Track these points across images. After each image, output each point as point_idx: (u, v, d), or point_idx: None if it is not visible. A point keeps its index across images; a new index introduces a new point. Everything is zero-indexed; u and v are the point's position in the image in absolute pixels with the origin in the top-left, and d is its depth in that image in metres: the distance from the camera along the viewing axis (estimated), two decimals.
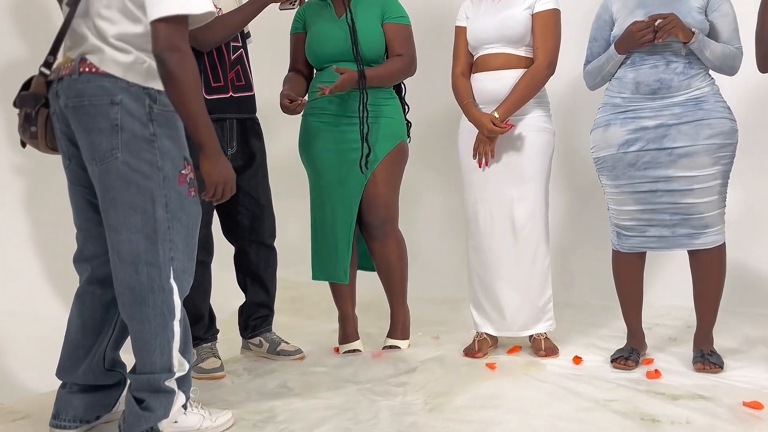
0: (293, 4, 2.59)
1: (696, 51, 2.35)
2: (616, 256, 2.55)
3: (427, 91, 3.16)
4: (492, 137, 2.58)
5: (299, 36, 2.77)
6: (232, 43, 2.60)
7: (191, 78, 1.75)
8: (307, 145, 2.75)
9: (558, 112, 2.95)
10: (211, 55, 2.54)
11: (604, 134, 2.47)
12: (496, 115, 2.56)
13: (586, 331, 2.94)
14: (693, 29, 2.33)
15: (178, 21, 1.73)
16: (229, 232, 2.73)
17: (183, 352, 1.93)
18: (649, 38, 2.32)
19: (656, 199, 2.40)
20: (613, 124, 2.45)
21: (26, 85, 1.95)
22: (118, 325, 2.04)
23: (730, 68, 2.41)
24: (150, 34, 1.76)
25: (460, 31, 2.72)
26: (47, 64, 1.90)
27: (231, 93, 2.59)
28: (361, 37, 2.62)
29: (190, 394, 1.99)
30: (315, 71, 2.77)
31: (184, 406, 1.96)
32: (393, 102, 2.74)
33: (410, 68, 2.71)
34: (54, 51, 1.89)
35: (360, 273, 2.89)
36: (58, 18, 2.02)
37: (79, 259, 2.04)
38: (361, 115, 2.60)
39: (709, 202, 2.38)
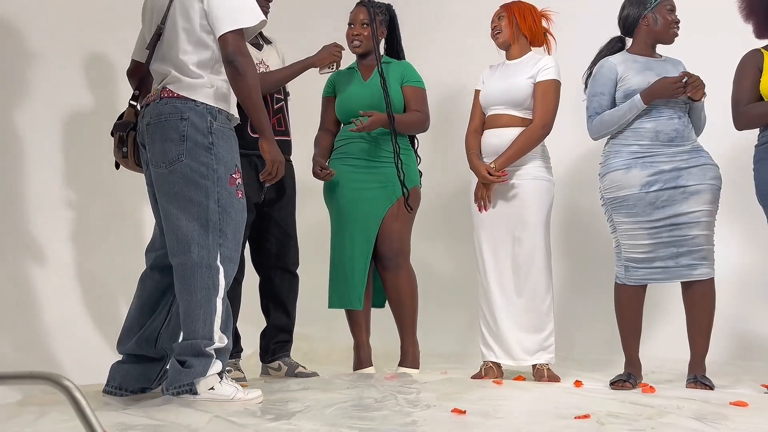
0: (331, 68, 3.03)
1: (700, 108, 2.79)
2: (620, 289, 2.79)
3: (442, 146, 3.54)
4: (488, 184, 2.91)
5: (329, 99, 3.18)
6: (275, 95, 3.00)
7: (254, 75, 2.24)
8: (331, 185, 3.07)
9: (561, 165, 3.29)
10: None
11: (626, 176, 2.75)
12: (492, 165, 2.90)
13: (587, 365, 3.11)
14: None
15: (241, 33, 2.23)
16: (257, 260, 3.00)
17: (224, 329, 2.19)
18: (681, 91, 2.71)
19: (668, 232, 2.70)
20: (634, 167, 2.75)
21: (120, 117, 2.44)
22: (174, 314, 2.33)
23: (702, 128, 2.87)
24: (214, 58, 2.24)
25: (477, 94, 3.12)
26: (134, 97, 2.45)
27: None
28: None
29: (226, 370, 2.21)
30: (342, 126, 3.16)
31: (220, 375, 2.15)
32: (409, 152, 3.10)
33: (425, 123, 3.10)
34: (139, 87, 2.46)
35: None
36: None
37: (149, 249, 2.44)
38: (396, 162, 2.96)
39: (707, 236, 2.71)
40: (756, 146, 2.80)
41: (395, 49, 3.21)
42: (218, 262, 2.19)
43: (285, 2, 3.41)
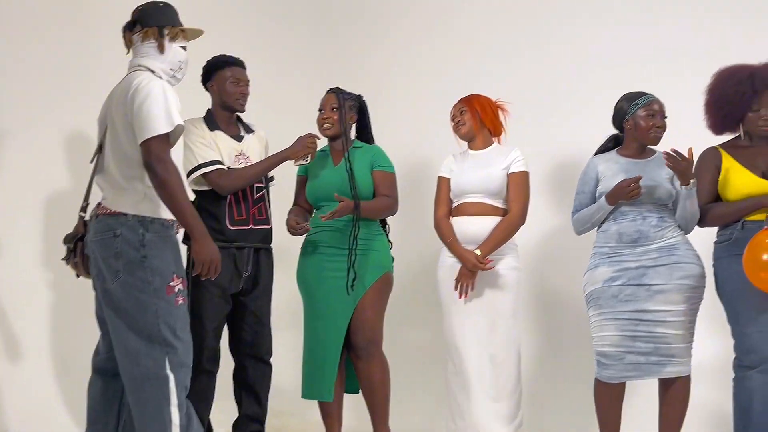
0: (305, 160, 3.08)
1: (684, 197, 2.78)
2: (598, 384, 2.87)
3: (410, 230, 3.62)
4: (474, 271, 2.98)
5: (302, 178, 3.26)
6: (256, 185, 3.06)
7: (176, 180, 2.30)
8: (304, 273, 3.13)
9: (531, 254, 3.37)
10: (236, 193, 2.99)
11: (593, 273, 2.88)
12: (479, 253, 2.98)
13: None
14: (693, 180, 2.76)
15: (160, 139, 2.29)
16: (233, 347, 3.06)
17: None
18: (636, 193, 2.78)
19: (635, 327, 2.76)
20: (601, 265, 2.87)
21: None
22: (129, 424, 2.38)
23: (692, 224, 2.87)
24: (143, 167, 2.32)
25: (444, 181, 3.21)
26: (83, 208, 2.52)
27: (251, 225, 3.01)
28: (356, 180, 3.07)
29: None
30: (314, 210, 3.22)
31: None
32: (381, 237, 3.16)
33: (393, 207, 3.17)
34: (86, 198, 2.53)
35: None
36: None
37: (94, 354, 2.52)
38: (350, 244, 3.00)
39: (677, 335, 2.76)
40: (715, 243, 2.87)
41: (365, 137, 3.29)
42: (167, 371, 2.27)
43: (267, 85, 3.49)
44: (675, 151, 2.72)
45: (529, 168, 3.13)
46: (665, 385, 2.81)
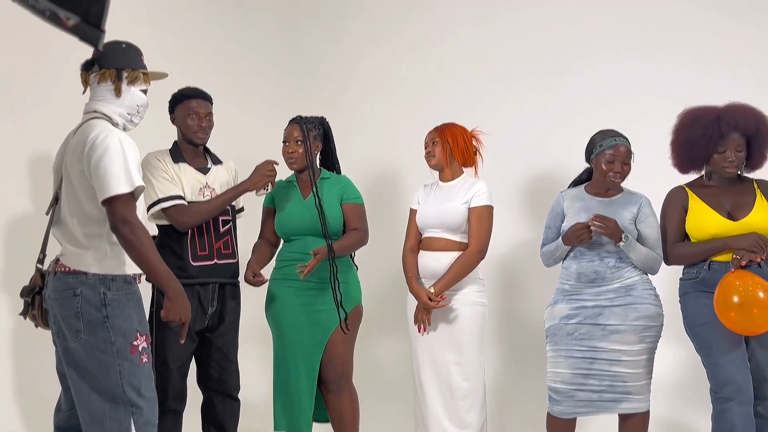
0: (267, 189, 3.03)
1: (624, 250, 2.84)
2: (550, 419, 2.94)
3: (378, 259, 3.61)
4: (428, 308, 2.98)
5: (269, 210, 3.21)
6: (221, 218, 2.99)
7: (144, 240, 2.20)
8: (274, 307, 3.10)
9: (497, 286, 3.39)
10: (200, 227, 2.93)
11: (552, 309, 2.94)
12: (432, 290, 2.98)
13: None
14: (624, 234, 2.81)
15: (122, 199, 2.19)
16: (201, 382, 3.03)
17: None
18: (585, 237, 2.83)
19: (589, 365, 2.82)
20: (560, 302, 2.93)
21: (32, 279, 2.42)
22: None
23: (650, 269, 2.92)
24: (103, 224, 2.23)
25: (413, 213, 3.21)
26: (39, 260, 2.41)
27: (216, 260, 2.95)
28: (326, 214, 3.04)
29: None
30: (282, 242, 3.18)
31: None
32: (350, 270, 3.14)
33: (364, 240, 3.15)
34: (43, 250, 2.42)
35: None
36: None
37: (56, 410, 2.47)
38: (333, 284, 2.97)
39: (634, 374, 2.81)
40: (681, 279, 2.93)
41: (331, 162, 3.25)
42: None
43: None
44: (599, 216, 2.79)
45: (498, 203, 3.12)
46: (623, 420, 2.88)
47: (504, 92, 3.98)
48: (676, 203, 2.89)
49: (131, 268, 2.31)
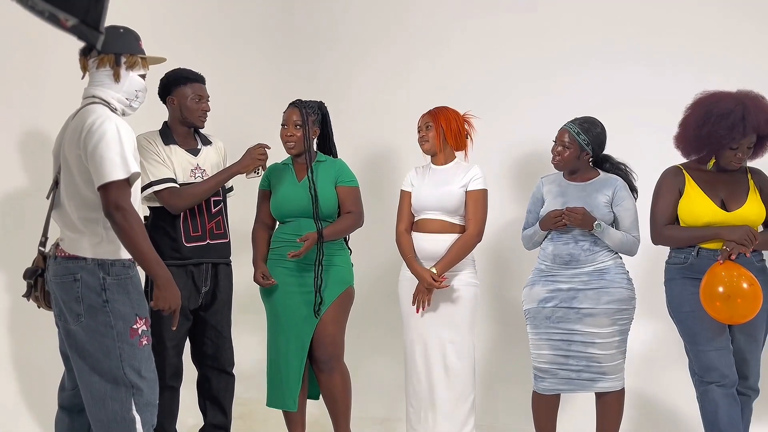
0: (257, 172, 3.06)
1: (598, 237, 2.93)
2: (535, 396, 3.05)
3: (372, 241, 3.66)
4: (429, 288, 3.05)
5: (265, 192, 3.24)
6: (213, 198, 3.03)
7: (136, 227, 2.24)
8: (268, 287, 3.16)
9: (487, 265, 3.46)
10: (192, 209, 2.97)
11: (530, 291, 3.03)
12: (434, 271, 3.04)
13: None
14: (595, 222, 2.89)
15: (117, 185, 2.21)
16: (195, 359, 3.10)
17: None
18: (561, 224, 2.92)
19: (567, 347, 2.93)
20: (537, 284, 3.01)
21: (34, 261, 2.46)
22: None
23: (627, 252, 3.00)
24: (100, 209, 2.25)
25: (405, 195, 3.25)
26: (42, 243, 2.44)
27: (208, 240, 3.01)
28: (320, 198, 3.10)
29: None
30: (278, 223, 3.23)
31: None
32: (343, 252, 3.20)
33: (359, 222, 3.20)
34: (45, 233, 2.46)
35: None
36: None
37: (60, 388, 2.52)
38: (316, 269, 3.04)
39: (608, 355, 2.91)
40: (667, 263, 2.97)
41: (327, 146, 3.28)
42: (133, 413, 2.28)
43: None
44: (568, 209, 2.88)
45: (488, 185, 3.18)
46: (600, 398, 2.99)
47: (498, 75, 3.99)
48: (671, 184, 2.90)
49: (127, 252, 2.33)
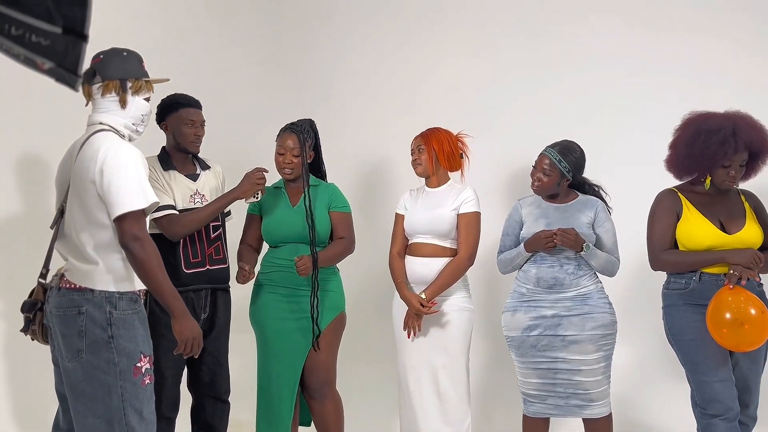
0: (256, 197, 3.05)
1: (585, 258, 2.90)
2: (525, 419, 3.04)
3: (365, 263, 3.64)
4: (419, 314, 3.03)
5: (254, 217, 3.23)
6: (212, 224, 3.02)
7: (153, 259, 2.20)
8: (258, 312, 3.14)
9: (482, 291, 3.43)
10: (192, 235, 2.95)
11: (512, 318, 3.00)
12: (424, 296, 3.02)
13: None
14: (585, 243, 2.88)
15: (135, 215, 2.18)
16: (191, 386, 3.09)
17: None
18: (552, 245, 2.89)
19: (554, 375, 2.92)
20: (519, 310, 2.98)
21: (31, 293, 2.39)
22: None
23: (609, 273, 3.00)
24: (114, 238, 2.21)
25: (399, 218, 3.24)
26: (42, 275, 2.36)
27: (208, 266, 2.99)
28: (315, 224, 3.06)
29: None
30: (269, 247, 3.21)
31: None
32: (335, 277, 3.18)
33: (350, 248, 3.19)
34: (46, 264, 2.36)
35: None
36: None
37: (54, 427, 2.43)
38: (312, 300, 3.01)
39: (594, 381, 2.90)
40: (666, 289, 2.89)
41: (317, 164, 3.26)
42: None
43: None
44: (561, 230, 2.86)
45: (483, 206, 3.16)
46: (588, 423, 2.98)
47: (493, 91, 3.99)
48: (668, 208, 2.83)
49: (137, 285, 2.28)
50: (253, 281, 3.14)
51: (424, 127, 3.23)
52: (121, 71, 2.32)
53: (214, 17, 4.24)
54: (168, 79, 2.48)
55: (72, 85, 1.58)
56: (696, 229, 2.78)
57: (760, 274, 2.80)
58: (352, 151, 4.03)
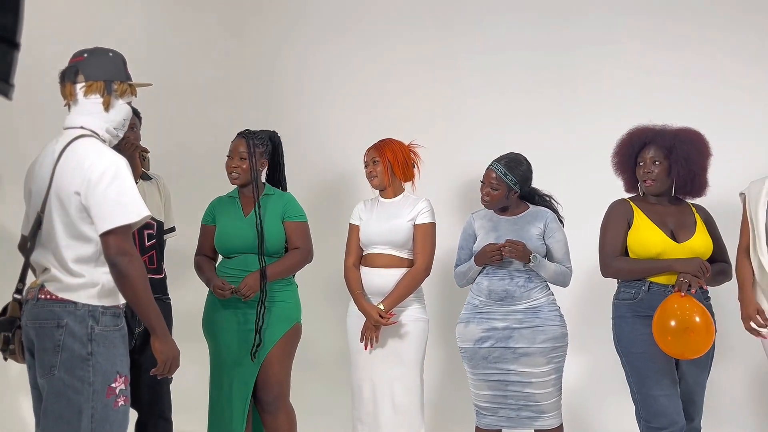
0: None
1: (534, 269, 2.93)
2: (478, 430, 3.04)
3: (322, 275, 3.59)
4: (377, 325, 2.99)
5: (209, 228, 3.14)
6: (146, 231, 2.88)
7: (140, 275, 2.07)
8: (210, 323, 3.06)
9: (436, 302, 3.43)
10: None
11: (465, 329, 3.00)
12: (382, 307, 3.00)
13: None
14: (532, 254, 2.89)
15: (123, 230, 2.05)
16: (133, 404, 2.94)
17: None
18: (497, 258, 2.90)
19: (505, 387, 2.93)
20: (472, 321, 2.98)
21: (4, 310, 2.22)
22: None
23: (561, 283, 3.02)
24: (98, 251, 2.08)
25: (354, 229, 3.20)
26: (18, 290, 2.19)
27: None
28: (266, 234, 3.00)
29: None
30: (222, 258, 3.12)
31: None
32: (289, 288, 3.10)
33: (306, 258, 3.12)
34: (22, 279, 2.20)
35: None
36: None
37: None
38: (258, 309, 2.94)
39: (544, 393, 2.91)
40: (616, 299, 2.90)
41: (277, 178, 3.19)
42: None
43: None
44: (509, 241, 2.89)
45: (439, 217, 3.17)
46: None
47: (452, 99, 3.98)
48: (619, 216, 2.85)
49: (120, 299, 2.15)
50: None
51: (384, 136, 3.21)
52: (106, 72, 2.19)
53: (174, 24, 4.14)
54: (151, 84, 2.36)
55: (5, 94, 1.51)
56: (646, 237, 2.80)
57: (710, 288, 2.86)
58: (312, 159, 3.97)
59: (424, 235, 3.08)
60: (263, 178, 3.15)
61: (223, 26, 4.28)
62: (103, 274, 2.10)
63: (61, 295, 2.08)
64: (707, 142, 2.86)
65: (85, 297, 2.08)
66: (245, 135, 3.07)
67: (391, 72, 4.08)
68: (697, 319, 2.60)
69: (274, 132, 3.16)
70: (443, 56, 4.03)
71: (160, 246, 2.98)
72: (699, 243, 2.81)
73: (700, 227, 2.86)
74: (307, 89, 4.17)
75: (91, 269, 2.10)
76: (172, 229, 3.08)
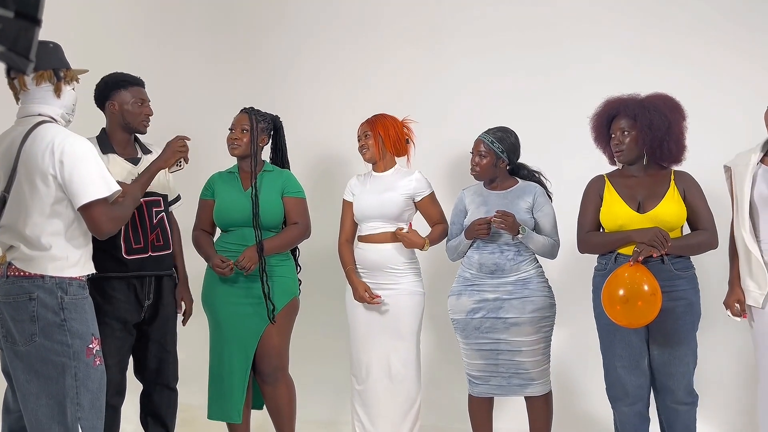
0: (179, 165, 2.92)
1: (523, 241, 3.00)
2: (470, 399, 3.15)
3: (321, 250, 3.67)
4: (361, 301, 3.15)
5: (208, 202, 3.19)
6: (154, 209, 2.94)
7: (126, 209, 2.47)
8: (209, 296, 3.13)
9: (432, 271, 3.53)
10: (133, 219, 2.85)
11: (457, 301, 3.09)
12: (427, 242, 3.17)
13: None
14: (521, 227, 2.97)
15: (100, 203, 2.32)
16: (138, 373, 3.05)
17: None
18: (484, 232, 2.97)
19: (496, 356, 3.02)
20: (464, 294, 3.07)
21: None
22: None
23: (549, 255, 3.10)
24: (67, 225, 2.32)
25: (347, 205, 3.27)
26: None
27: (150, 253, 2.90)
28: (264, 208, 3.07)
29: None
30: (221, 231, 3.19)
31: None
32: (287, 263, 3.18)
33: (304, 234, 3.19)
34: None
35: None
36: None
37: (4, 410, 2.45)
38: (262, 277, 3.01)
39: (533, 362, 3.01)
40: (596, 269, 2.96)
41: (279, 159, 3.26)
42: None
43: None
44: (501, 212, 2.95)
45: (433, 186, 3.27)
46: (530, 401, 3.10)
47: (442, 78, 4.03)
48: (593, 192, 2.92)
49: (84, 271, 2.38)
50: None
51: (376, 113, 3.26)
52: (52, 61, 2.39)
53: (166, 10, 4.15)
54: (87, 70, 2.53)
55: (23, 69, 1.58)
56: (611, 209, 2.85)
57: (694, 258, 2.88)
58: (307, 136, 4.00)
59: (433, 204, 3.22)
60: (262, 157, 3.20)
61: (217, 8, 4.30)
62: (68, 248, 2.32)
63: (29, 270, 2.29)
64: (677, 106, 2.83)
65: (52, 269, 2.29)
66: (248, 111, 3.15)
67: (384, 50, 4.11)
68: (645, 287, 2.59)
69: (276, 116, 3.24)
70: (435, 34, 4.06)
71: (168, 221, 3.01)
72: (665, 211, 2.78)
73: (670, 195, 2.81)
74: (303, 69, 4.21)
75: (61, 242, 2.32)
76: (178, 198, 3.14)
